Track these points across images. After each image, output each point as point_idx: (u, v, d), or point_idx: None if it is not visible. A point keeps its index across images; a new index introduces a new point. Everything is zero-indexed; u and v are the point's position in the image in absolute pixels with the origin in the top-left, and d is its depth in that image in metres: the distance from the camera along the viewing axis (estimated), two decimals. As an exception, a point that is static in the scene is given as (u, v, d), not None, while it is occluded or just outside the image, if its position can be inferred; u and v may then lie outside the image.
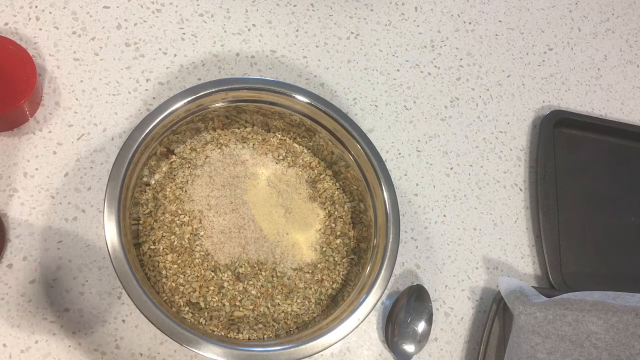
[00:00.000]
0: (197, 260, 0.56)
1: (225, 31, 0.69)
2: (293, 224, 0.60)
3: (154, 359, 0.55)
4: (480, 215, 0.69)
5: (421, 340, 0.59)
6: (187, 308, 0.54)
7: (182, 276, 0.55)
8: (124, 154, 0.52)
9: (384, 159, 0.59)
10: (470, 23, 0.79)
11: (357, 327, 0.52)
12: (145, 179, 0.57)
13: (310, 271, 0.59)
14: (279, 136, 0.64)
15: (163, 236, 0.56)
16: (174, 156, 0.60)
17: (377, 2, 0.76)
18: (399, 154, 0.69)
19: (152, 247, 0.56)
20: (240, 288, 0.56)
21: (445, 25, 0.78)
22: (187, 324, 0.50)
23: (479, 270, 0.66)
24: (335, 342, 0.51)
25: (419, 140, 0.71)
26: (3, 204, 0.56)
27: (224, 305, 0.55)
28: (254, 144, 0.63)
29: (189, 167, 0.60)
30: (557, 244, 0.67)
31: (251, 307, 0.55)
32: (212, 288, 0.55)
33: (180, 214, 0.57)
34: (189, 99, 0.56)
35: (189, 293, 0.54)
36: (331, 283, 0.59)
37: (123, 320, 0.55)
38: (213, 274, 0.56)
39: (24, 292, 0.54)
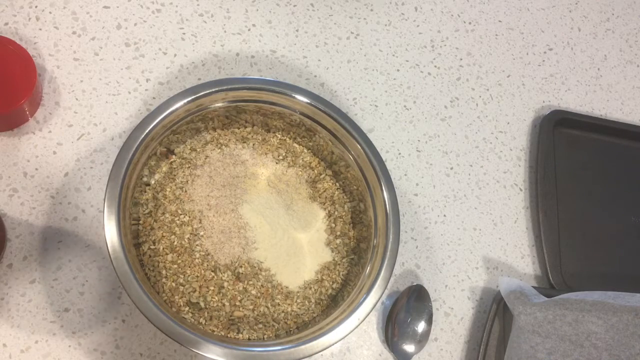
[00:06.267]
0: (197, 260, 0.56)
1: (225, 31, 0.69)
2: (293, 224, 0.60)
3: (154, 359, 0.55)
4: (480, 215, 0.69)
5: (421, 340, 0.59)
6: (187, 308, 0.54)
7: (182, 276, 0.55)
8: (124, 154, 0.52)
9: (384, 159, 0.59)
10: (470, 23, 0.79)
11: (357, 327, 0.52)
12: (145, 179, 0.57)
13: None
14: (279, 136, 0.64)
15: (163, 236, 0.56)
16: (174, 156, 0.60)
17: (377, 2, 0.76)
18: (399, 154, 0.69)
19: (152, 247, 0.56)
20: (240, 288, 0.56)
21: (445, 25, 0.78)
22: (187, 324, 0.50)
23: (479, 270, 0.66)
24: (335, 342, 0.51)
25: (419, 140, 0.71)
26: (3, 204, 0.56)
27: (224, 305, 0.55)
28: (254, 144, 0.63)
29: (189, 167, 0.60)
30: (557, 244, 0.67)
31: (251, 307, 0.55)
32: (212, 288, 0.55)
33: (180, 214, 0.57)
34: (189, 99, 0.56)
35: (189, 293, 0.54)
36: (331, 283, 0.59)
37: (123, 320, 0.55)
38: (213, 274, 0.56)
39: (24, 292, 0.54)
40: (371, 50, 0.74)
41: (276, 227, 0.59)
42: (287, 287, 0.57)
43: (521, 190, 0.72)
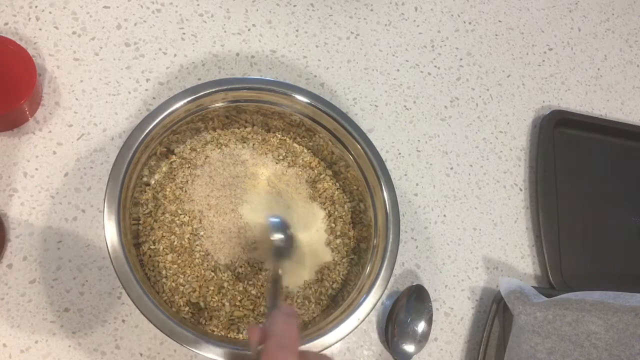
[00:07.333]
0: (197, 260, 0.56)
1: (225, 31, 0.69)
2: (293, 224, 0.60)
3: (154, 359, 0.55)
4: (480, 215, 0.69)
5: (421, 340, 0.59)
6: (187, 308, 0.54)
7: (182, 276, 0.55)
8: (124, 153, 0.52)
9: (384, 159, 0.59)
10: (470, 23, 0.79)
11: (357, 327, 0.52)
12: (145, 179, 0.57)
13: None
14: (279, 136, 0.64)
15: (163, 236, 0.56)
16: (174, 156, 0.60)
17: (377, 2, 0.76)
18: (399, 154, 0.69)
19: (152, 247, 0.56)
20: (240, 288, 0.56)
21: (445, 25, 0.78)
22: (187, 324, 0.50)
23: (479, 270, 0.66)
24: (335, 342, 0.51)
25: (419, 140, 0.71)
26: (3, 204, 0.56)
27: (224, 305, 0.55)
28: (254, 144, 0.63)
29: (189, 167, 0.60)
30: (557, 244, 0.67)
31: (251, 307, 0.56)
32: (212, 288, 0.55)
33: (180, 214, 0.57)
34: (189, 99, 0.56)
35: (189, 293, 0.54)
36: (331, 283, 0.59)
37: (123, 320, 0.55)
38: (213, 274, 0.56)
39: (24, 292, 0.54)
40: (371, 50, 0.74)
41: (276, 227, 0.59)
42: (287, 287, 0.57)
43: (521, 190, 0.72)
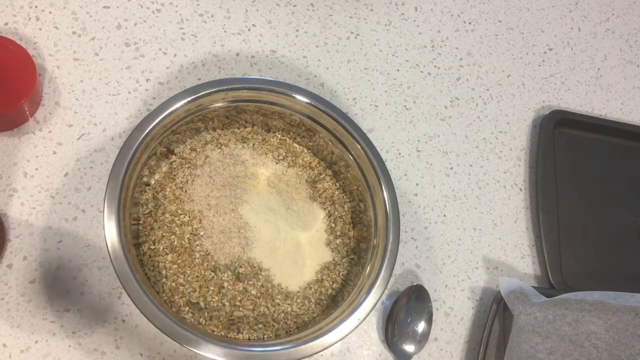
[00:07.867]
0: (197, 260, 0.56)
1: (225, 31, 0.69)
2: (293, 224, 0.60)
3: (154, 359, 0.55)
4: (480, 215, 0.69)
5: (421, 340, 0.59)
6: (187, 308, 0.54)
7: (182, 276, 0.55)
8: (124, 153, 0.52)
9: (384, 159, 0.59)
10: (470, 23, 0.79)
11: (357, 327, 0.52)
12: (145, 179, 0.57)
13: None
14: (279, 136, 0.64)
15: (163, 236, 0.56)
16: (174, 156, 0.60)
17: (377, 2, 0.76)
18: (399, 154, 0.69)
19: (152, 247, 0.56)
20: (240, 288, 0.56)
21: (445, 25, 0.78)
22: (187, 324, 0.50)
23: (479, 270, 0.66)
24: (335, 342, 0.51)
25: (419, 140, 0.71)
26: (3, 204, 0.56)
27: (224, 305, 0.55)
28: (254, 144, 0.63)
29: (189, 167, 0.60)
30: (557, 244, 0.67)
31: (251, 307, 0.55)
32: (212, 288, 0.55)
33: (180, 214, 0.57)
34: (189, 99, 0.56)
35: (189, 293, 0.54)
36: (331, 283, 0.59)
37: (123, 320, 0.55)
38: (213, 274, 0.56)
39: (24, 292, 0.54)
40: (371, 50, 0.74)
41: (276, 227, 0.59)
42: (287, 287, 0.57)
43: (521, 190, 0.72)
